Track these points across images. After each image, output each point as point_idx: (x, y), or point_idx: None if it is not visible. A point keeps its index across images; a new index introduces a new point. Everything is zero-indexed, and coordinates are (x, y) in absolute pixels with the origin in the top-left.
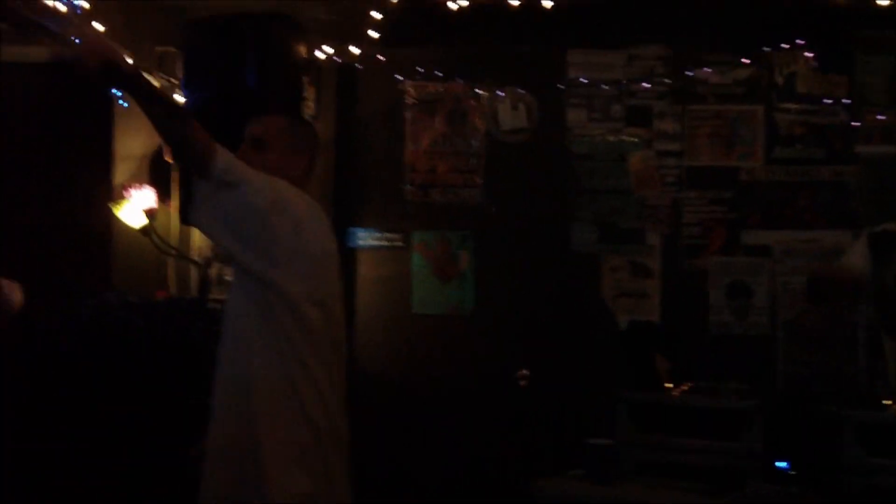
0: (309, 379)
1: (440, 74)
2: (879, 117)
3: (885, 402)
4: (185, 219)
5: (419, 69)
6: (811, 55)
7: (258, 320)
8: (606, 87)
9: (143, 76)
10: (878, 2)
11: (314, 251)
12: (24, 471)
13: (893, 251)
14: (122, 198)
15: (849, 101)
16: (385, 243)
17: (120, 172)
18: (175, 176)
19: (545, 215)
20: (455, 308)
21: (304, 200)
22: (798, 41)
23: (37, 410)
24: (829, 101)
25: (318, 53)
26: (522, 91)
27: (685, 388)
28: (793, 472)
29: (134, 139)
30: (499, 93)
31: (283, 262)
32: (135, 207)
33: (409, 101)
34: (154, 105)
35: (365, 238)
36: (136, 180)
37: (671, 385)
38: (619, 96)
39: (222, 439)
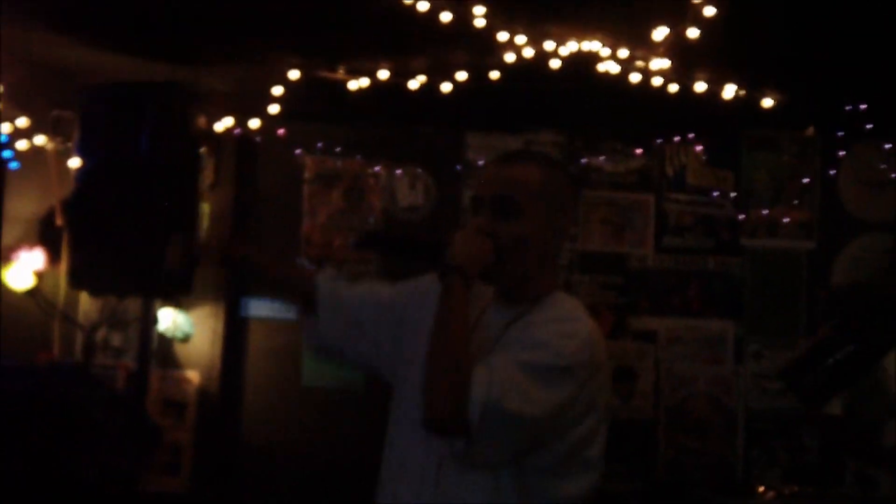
0: None
1: (339, 150)
2: (763, 212)
3: (759, 489)
4: (75, 282)
5: (318, 144)
6: (700, 149)
7: None
8: None
9: None
10: (763, 103)
11: None
12: None
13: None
14: (9, 260)
15: (735, 195)
16: (278, 314)
17: (8, 234)
18: (65, 238)
19: None
20: (346, 382)
21: None
22: (689, 135)
23: None
24: (717, 194)
25: (217, 125)
26: (420, 170)
27: None
28: None
29: (25, 201)
30: (397, 171)
31: None
32: (22, 269)
33: (308, 175)
34: None
35: (258, 308)
36: (25, 242)
37: None
38: None
39: None
